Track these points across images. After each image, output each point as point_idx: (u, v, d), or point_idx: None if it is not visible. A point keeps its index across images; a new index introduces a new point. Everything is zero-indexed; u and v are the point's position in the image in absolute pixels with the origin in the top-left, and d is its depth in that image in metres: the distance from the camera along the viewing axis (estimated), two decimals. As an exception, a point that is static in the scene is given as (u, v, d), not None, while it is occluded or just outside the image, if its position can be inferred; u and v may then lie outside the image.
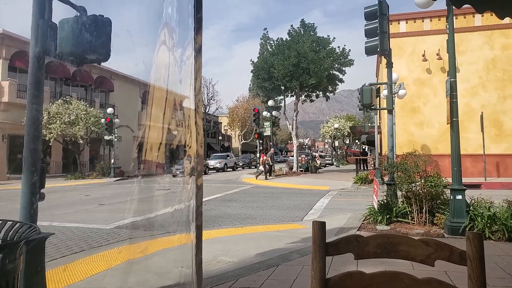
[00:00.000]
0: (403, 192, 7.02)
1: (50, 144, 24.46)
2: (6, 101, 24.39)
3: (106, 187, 17.89)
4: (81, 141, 24.94)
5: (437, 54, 17.81)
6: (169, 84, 1.68)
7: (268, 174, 21.05)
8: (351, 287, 1.19)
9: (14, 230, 1.77)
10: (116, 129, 25.45)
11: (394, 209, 6.93)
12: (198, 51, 1.43)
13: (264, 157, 21.38)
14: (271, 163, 22.14)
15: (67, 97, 26.13)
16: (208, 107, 55.31)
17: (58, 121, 23.47)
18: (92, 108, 26.46)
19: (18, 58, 24.95)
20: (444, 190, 6.77)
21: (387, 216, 6.79)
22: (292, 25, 25.54)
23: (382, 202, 7.16)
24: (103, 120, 25.22)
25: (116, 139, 25.27)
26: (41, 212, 2.84)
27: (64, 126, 23.59)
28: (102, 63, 3.56)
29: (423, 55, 18.25)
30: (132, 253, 5.13)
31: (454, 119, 6.14)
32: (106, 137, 25.21)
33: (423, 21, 18.83)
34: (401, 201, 7.23)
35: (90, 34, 3.36)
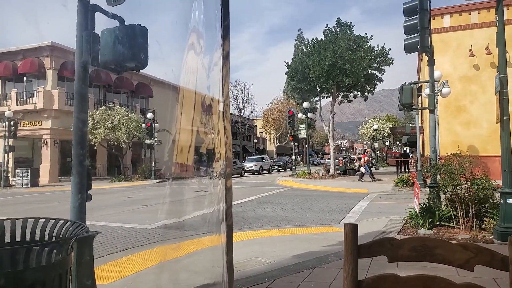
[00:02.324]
0: (446, 195, 6.71)
1: (95, 148, 25.73)
2: (57, 108, 25.99)
3: (147, 189, 18.51)
4: (123, 145, 26.01)
5: (486, 49, 16.72)
6: (197, 89, 1.72)
7: (371, 175, 20.21)
8: (385, 291, 1.16)
9: (66, 228, 1.89)
10: (156, 133, 26.30)
11: (437, 212, 6.65)
12: (225, 57, 1.46)
13: (366, 157, 20.90)
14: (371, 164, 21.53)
15: (109, 103, 27.39)
16: (243, 110, 55.79)
17: (102, 126, 24.64)
18: (133, 114, 27.54)
19: (66, 68, 26.53)
20: (494, 193, 6.40)
21: (430, 220, 6.52)
22: (327, 25, 25.16)
23: (424, 205, 6.88)
24: (143, 125, 26.16)
25: (156, 143, 26.12)
26: (89, 212, 3.02)
27: (108, 131, 24.72)
28: (141, 70, 3.71)
29: (470, 50, 17.24)
30: (168, 253, 5.30)
31: (504, 118, 5.78)
32: (147, 141, 26.14)
33: (469, 14, 17.79)
34: (444, 205, 6.91)
35: (129, 43, 3.51)
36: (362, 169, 20.27)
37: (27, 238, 1.85)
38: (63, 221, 1.95)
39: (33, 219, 1.90)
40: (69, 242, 1.74)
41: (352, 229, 1.21)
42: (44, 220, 1.90)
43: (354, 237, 1.19)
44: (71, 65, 25.92)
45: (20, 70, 26.51)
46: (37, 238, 1.87)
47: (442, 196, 6.99)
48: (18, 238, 1.83)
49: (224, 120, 1.58)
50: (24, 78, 27.33)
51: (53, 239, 1.87)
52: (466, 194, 6.29)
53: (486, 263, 1.09)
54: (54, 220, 1.93)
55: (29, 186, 21.38)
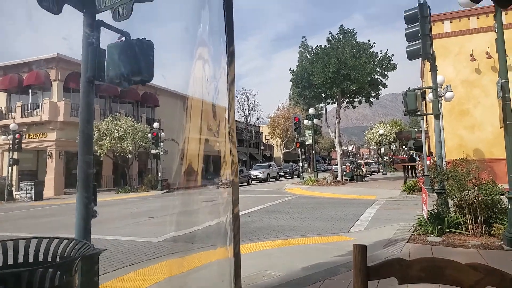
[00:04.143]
0: (454, 201, 6.64)
1: (101, 159, 25.85)
2: (62, 120, 26.21)
3: (154, 200, 18.54)
4: (129, 156, 26.11)
5: (487, 53, 16.78)
6: (204, 99, 1.75)
7: None
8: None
9: (70, 248, 1.88)
10: (162, 143, 26.39)
11: (446, 219, 6.58)
12: (231, 83, 1.48)
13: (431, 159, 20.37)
14: None
15: (115, 114, 27.51)
16: (249, 117, 55.94)
17: (108, 137, 24.77)
18: (139, 124, 27.65)
19: (72, 80, 26.78)
20: (502, 198, 6.33)
21: (439, 227, 6.45)
22: (330, 32, 25.27)
23: (433, 212, 6.82)
24: (150, 134, 26.24)
25: (162, 153, 26.19)
26: (94, 225, 3.02)
27: (114, 141, 24.85)
28: (145, 80, 3.72)
29: (471, 55, 17.29)
30: (175, 268, 5.27)
31: (508, 123, 5.76)
32: (153, 151, 26.22)
33: (469, 19, 17.87)
34: (453, 211, 6.85)
35: (135, 57, 3.55)
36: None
37: (30, 259, 1.83)
38: (67, 240, 1.93)
39: (37, 239, 1.88)
40: (73, 263, 1.72)
41: (360, 249, 1.20)
42: (48, 239, 1.89)
43: (363, 258, 1.19)
44: (77, 76, 26.22)
45: (26, 82, 26.81)
46: (40, 259, 1.85)
47: (450, 202, 6.92)
48: (20, 259, 1.81)
49: (230, 145, 1.58)
50: (30, 90, 27.59)
51: (57, 259, 1.86)
52: (474, 200, 6.23)
53: (496, 284, 1.08)
54: (58, 240, 1.92)
55: (33, 199, 21.27)
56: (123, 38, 3.69)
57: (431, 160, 9.85)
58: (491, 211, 6.31)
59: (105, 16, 3.68)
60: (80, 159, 3.33)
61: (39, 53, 27.15)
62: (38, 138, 26.62)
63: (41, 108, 26.44)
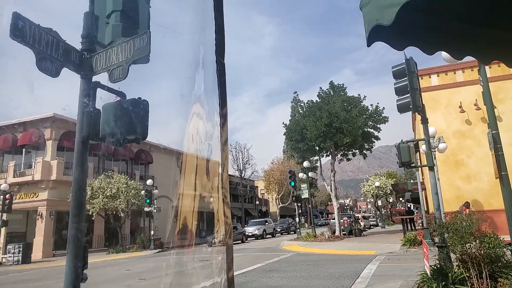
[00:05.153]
0: (457, 255, 6.44)
1: (93, 218, 25.17)
2: (54, 179, 25.89)
3: (146, 260, 17.82)
4: (122, 214, 25.48)
5: (475, 105, 17.26)
6: (198, 168, 1.73)
7: None
8: None
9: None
10: (155, 200, 25.94)
11: (450, 274, 6.32)
12: (224, 143, 1.47)
13: (467, 210, 19.63)
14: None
15: (109, 171, 27.28)
16: (243, 171, 55.72)
17: (100, 195, 24.33)
18: (133, 181, 27.36)
19: (66, 138, 26.93)
20: (506, 250, 6.16)
21: (443, 283, 6.18)
22: (321, 87, 26.04)
23: (435, 267, 6.58)
24: (143, 192, 25.86)
25: (155, 210, 25.65)
26: None
27: (106, 200, 24.36)
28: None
29: (460, 107, 17.77)
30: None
31: (503, 173, 5.76)
32: (146, 209, 25.66)
33: (455, 73, 18.60)
34: (456, 265, 6.61)
35: (130, 117, 3.59)
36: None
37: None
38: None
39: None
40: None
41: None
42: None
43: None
44: (71, 135, 26.40)
45: (20, 142, 26.85)
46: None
47: (453, 256, 6.71)
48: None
49: (224, 205, 1.54)
50: (23, 149, 27.55)
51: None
52: (477, 254, 6.05)
53: None
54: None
55: (20, 263, 20.44)
56: (118, 98, 3.76)
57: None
58: (496, 264, 6.11)
59: (101, 77, 3.78)
60: (71, 226, 3.22)
61: (35, 113, 27.32)
62: (29, 198, 26.09)
63: (34, 167, 26.24)
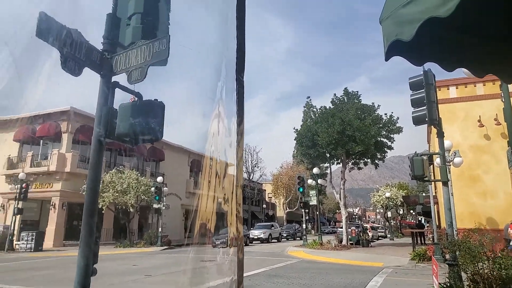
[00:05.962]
0: (468, 275, 6.31)
1: (103, 211, 25.51)
2: (68, 171, 26.32)
3: (153, 257, 17.94)
4: (131, 209, 25.73)
5: (495, 119, 16.58)
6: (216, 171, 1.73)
7: None
8: None
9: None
10: (164, 197, 26.12)
11: (460, 294, 6.20)
12: (239, 159, 1.47)
13: None
14: None
15: (120, 166, 27.60)
16: (252, 174, 55.70)
17: (111, 189, 24.62)
18: (143, 177, 27.59)
19: (81, 132, 27.40)
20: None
21: (452, 303, 6.07)
22: (335, 94, 25.76)
23: (445, 286, 6.46)
24: (153, 188, 26.06)
25: (164, 207, 25.84)
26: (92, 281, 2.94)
27: (117, 194, 24.64)
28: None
29: (479, 121, 17.15)
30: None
31: (520, 194, 5.63)
32: (155, 206, 25.85)
33: (475, 86, 17.97)
34: (467, 285, 6.47)
35: (145, 117, 3.62)
36: None
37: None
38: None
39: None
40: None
41: None
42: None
43: None
44: (87, 129, 26.80)
45: (38, 133, 27.42)
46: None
47: (464, 275, 6.57)
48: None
49: (237, 221, 1.53)
50: (41, 141, 28.14)
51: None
52: (490, 275, 5.91)
53: None
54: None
55: (32, 250, 20.98)
56: (135, 98, 3.81)
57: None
58: (508, 286, 5.96)
59: (120, 77, 3.82)
60: (84, 221, 3.27)
61: (54, 106, 27.78)
62: (44, 188, 26.60)
63: (50, 158, 26.74)
